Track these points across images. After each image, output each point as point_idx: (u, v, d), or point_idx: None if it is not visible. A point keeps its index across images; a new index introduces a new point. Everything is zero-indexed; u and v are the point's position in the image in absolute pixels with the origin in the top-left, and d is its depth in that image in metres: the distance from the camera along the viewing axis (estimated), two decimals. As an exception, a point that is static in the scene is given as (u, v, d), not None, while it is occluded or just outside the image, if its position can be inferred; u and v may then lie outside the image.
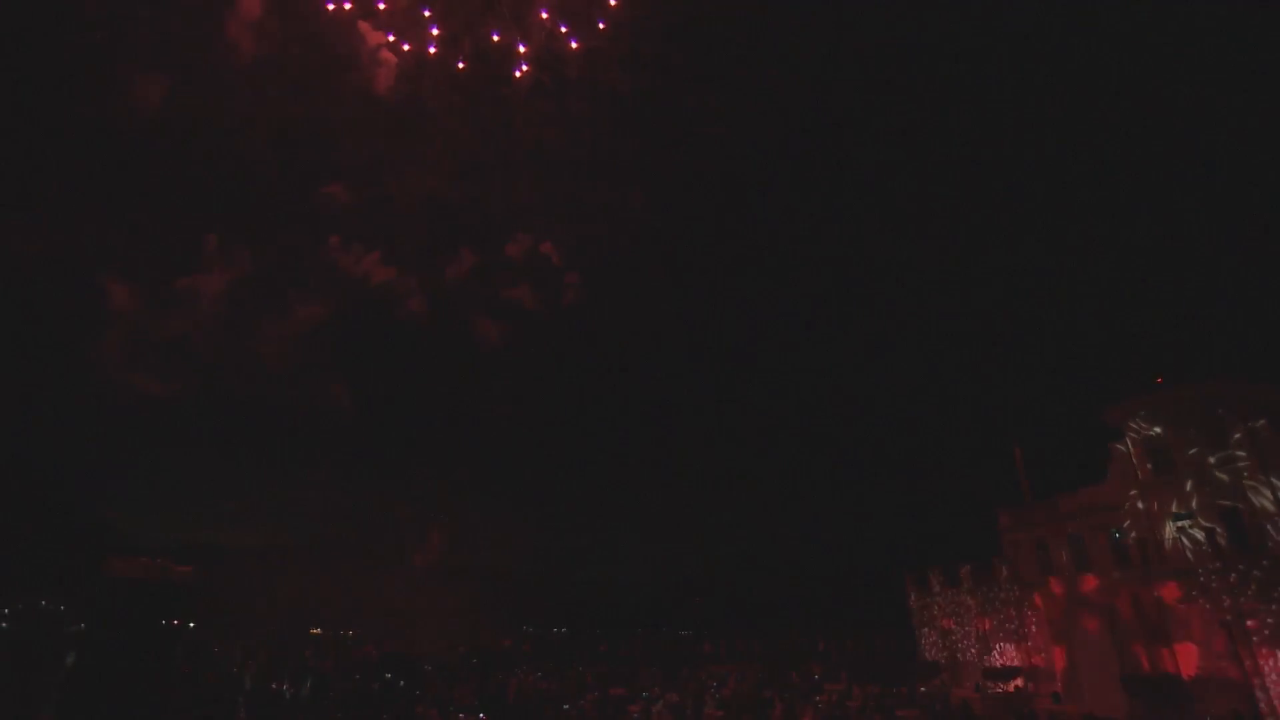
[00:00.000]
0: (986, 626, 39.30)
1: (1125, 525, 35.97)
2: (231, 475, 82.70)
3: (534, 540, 78.74)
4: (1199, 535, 30.56)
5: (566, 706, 30.90)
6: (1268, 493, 29.75)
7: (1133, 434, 36.00)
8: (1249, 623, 25.06)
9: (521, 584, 74.35)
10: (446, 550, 70.76)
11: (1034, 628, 35.82)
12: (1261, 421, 30.50)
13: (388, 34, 45.62)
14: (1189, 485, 32.78)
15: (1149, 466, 34.76)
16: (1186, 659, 27.85)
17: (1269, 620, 24.93)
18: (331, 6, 41.05)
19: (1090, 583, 32.77)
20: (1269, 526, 27.69)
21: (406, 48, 44.95)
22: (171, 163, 61.91)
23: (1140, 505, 35.34)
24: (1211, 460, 32.05)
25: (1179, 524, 32.91)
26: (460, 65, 45.32)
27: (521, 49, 43.43)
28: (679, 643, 69.43)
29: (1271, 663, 24.74)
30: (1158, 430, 34.48)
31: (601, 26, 41.86)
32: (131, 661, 20.51)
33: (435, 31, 41.96)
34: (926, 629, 43.77)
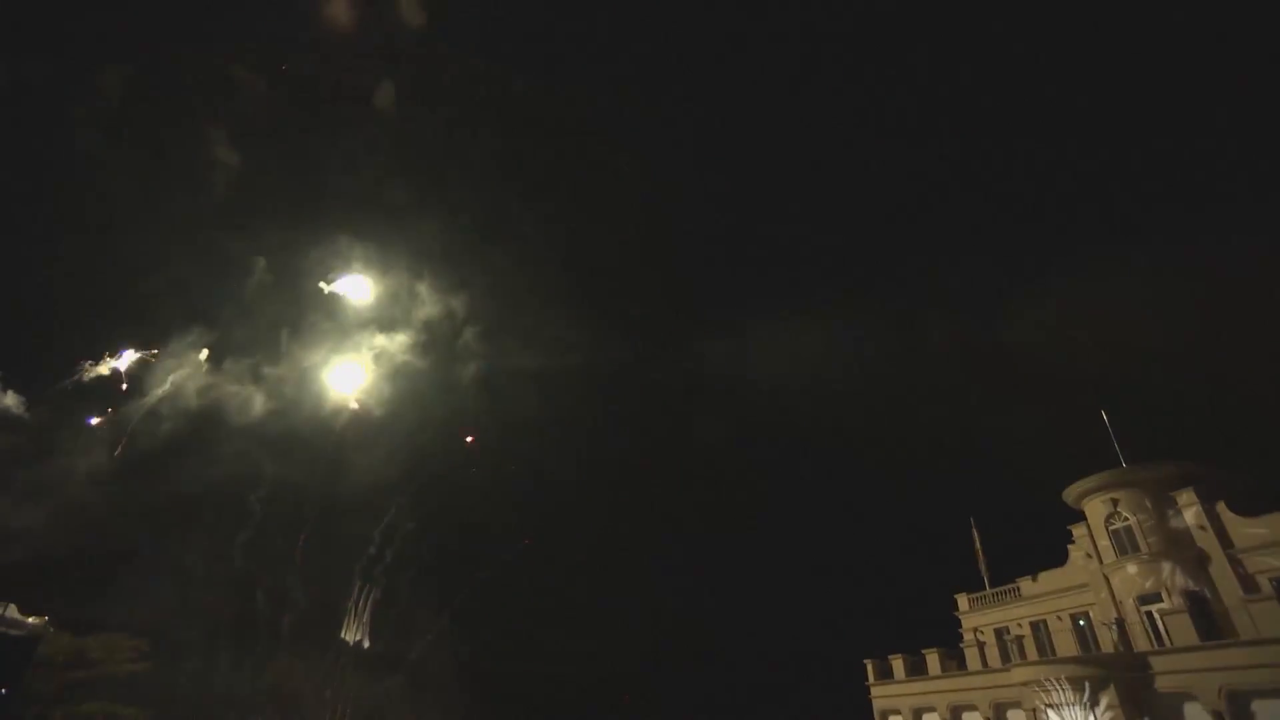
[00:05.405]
0: (952, 717, 37.14)
1: (1090, 610, 35.34)
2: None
3: (458, 629, 70.25)
4: (1167, 619, 30.06)
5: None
6: (1230, 574, 29.83)
7: (1092, 515, 36.07)
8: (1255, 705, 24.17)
9: (442, 678, 66.64)
10: (370, 629, 62.97)
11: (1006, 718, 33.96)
12: (1220, 503, 30.99)
13: None
14: (1152, 567, 32.66)
15: (1111, 548, 34.62)
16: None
17: (1257, 705, 24.14)
18: None
19: (1060, 671, 31.46)
20: (1234, 608, 27.47)
21: None
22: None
23: (1104, 589, 34.92)
24: (1172, 542, 32.17)
25: (1145, 608, 32.51)
26: None
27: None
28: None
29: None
30: (1118, 511, 34.63)
31: None
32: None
33: None
34: (889, 721, 41.10)
